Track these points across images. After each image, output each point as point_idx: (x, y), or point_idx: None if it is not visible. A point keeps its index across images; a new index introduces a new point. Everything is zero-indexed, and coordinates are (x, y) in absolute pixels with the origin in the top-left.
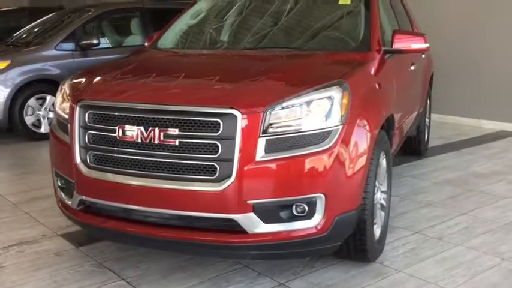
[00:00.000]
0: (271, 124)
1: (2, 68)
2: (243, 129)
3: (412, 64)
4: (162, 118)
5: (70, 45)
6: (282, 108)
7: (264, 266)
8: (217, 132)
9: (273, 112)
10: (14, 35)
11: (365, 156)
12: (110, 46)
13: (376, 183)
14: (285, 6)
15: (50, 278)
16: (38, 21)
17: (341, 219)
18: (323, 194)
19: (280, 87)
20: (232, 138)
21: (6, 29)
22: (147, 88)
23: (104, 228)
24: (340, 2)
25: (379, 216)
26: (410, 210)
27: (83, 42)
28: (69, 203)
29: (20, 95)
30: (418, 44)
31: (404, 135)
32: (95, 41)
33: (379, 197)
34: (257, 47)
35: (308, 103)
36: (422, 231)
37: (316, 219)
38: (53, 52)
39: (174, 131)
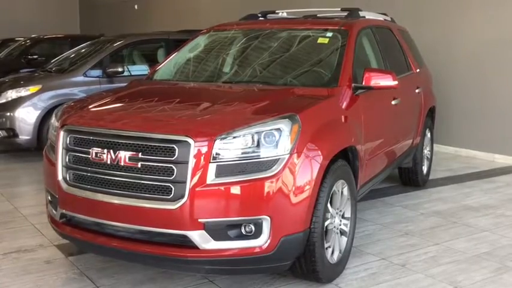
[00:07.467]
0: (221, 151)
1: (34, 92)
2: (195, 155)
3: (394, 99)
4: (128, 143)
5: (97, 72)
6: (234, 137)
7: (228, 282)
8: (173, 157)
9: (223, 141)
10: (52, 61)
11: (312, 183)
12: (134, 74)
13: (332, 210)
14: (267, 44)
15: (34, 282)
16: (75, 48)
17: (287, 240)
18: (269, 216)
19: (235, 118)
20: (186, 163)
21: (49, 55)
22: (118, 116)
23: (80, 239)
24: (318, 41)
25: (338, 240)
26: (387, 238)
27: (109, 70)
28: (54, 215)
29: (48, 117)
30: (386, 81)
31: (390, 165)
32: (120, 69)
33: (338, 222)
34: (234, 81)
35: (258, 133)
36: (388, 258)
37: (263, 239)
38: (81, 78)
39: (137, 155)
